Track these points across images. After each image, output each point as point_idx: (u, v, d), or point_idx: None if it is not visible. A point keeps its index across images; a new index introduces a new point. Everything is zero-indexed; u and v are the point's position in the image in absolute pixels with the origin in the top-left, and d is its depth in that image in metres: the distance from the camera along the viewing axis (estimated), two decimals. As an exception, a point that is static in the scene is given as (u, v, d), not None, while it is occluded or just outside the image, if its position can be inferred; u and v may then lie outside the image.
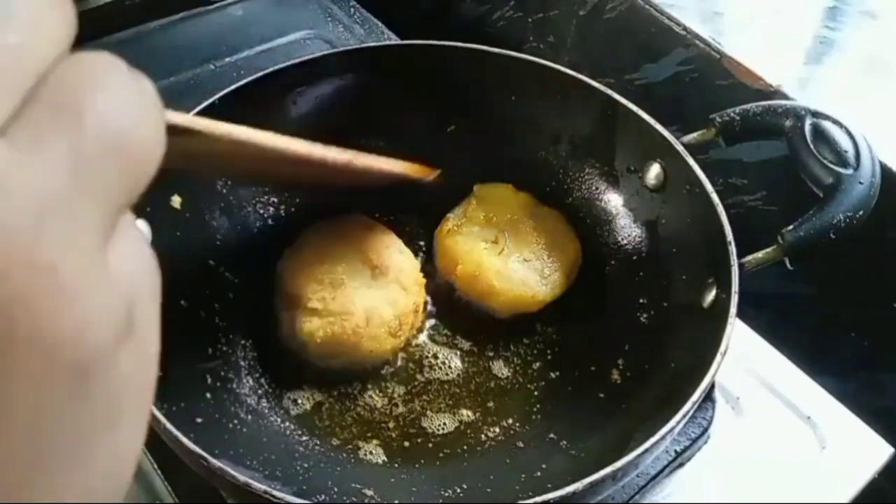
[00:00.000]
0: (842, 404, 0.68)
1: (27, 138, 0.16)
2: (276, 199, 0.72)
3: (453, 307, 0.69)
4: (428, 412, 0.63)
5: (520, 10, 1.01)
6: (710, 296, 0.58)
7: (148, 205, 0.60)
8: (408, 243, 0.69)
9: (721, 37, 0.82)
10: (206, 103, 0.64)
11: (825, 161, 0.59)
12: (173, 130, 0.33)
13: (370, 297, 0.63)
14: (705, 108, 0.66)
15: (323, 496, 0.55)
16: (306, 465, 0.58)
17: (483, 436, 0.61)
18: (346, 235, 0.66)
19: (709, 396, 0.65)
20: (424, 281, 0.67)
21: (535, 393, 0.64)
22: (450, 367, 0.66)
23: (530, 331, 0.68)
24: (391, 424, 0.62)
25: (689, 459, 0.63)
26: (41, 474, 0.17)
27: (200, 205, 0.66)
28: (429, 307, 0.69)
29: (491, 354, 0.66)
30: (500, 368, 0.66)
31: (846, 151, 0.59)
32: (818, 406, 0.67)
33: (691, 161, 0.62)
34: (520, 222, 0.70)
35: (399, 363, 0.65)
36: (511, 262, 0.68)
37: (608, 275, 0.69)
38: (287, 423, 0.61)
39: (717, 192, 0.60)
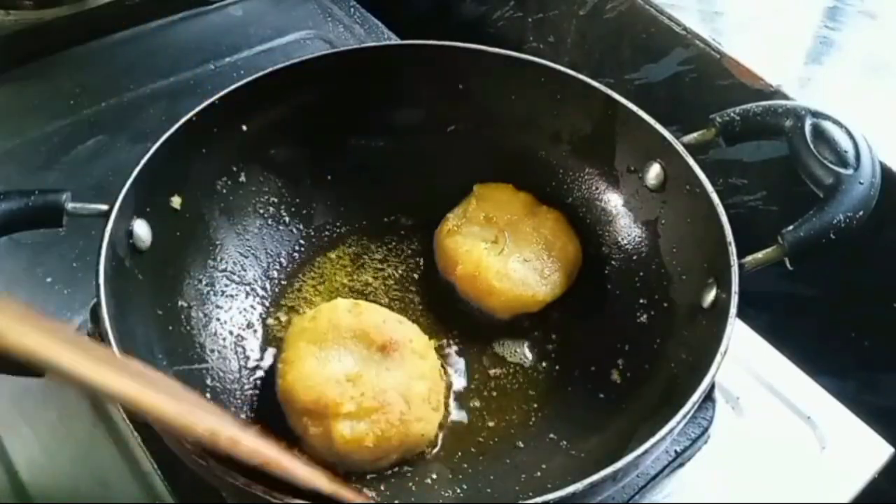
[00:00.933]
0: (842, 404, 0.68)
1: None
2: (275, 200, 0.71)
3: (453, 308, 0.69)
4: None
5: (519, 11, 1.01)
6: (711, 296, 0.58)
7: (148, 205, 0.60)
8: (406, 244, 0.68)
9: (721, 37, 0.81)
10: (206, 103, 0.64)
11: (825, 161, 0.58)
12: None
13: (396, 378, 0.58)
14: (705, 108, 0.66)
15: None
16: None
17: (483, 436, 0.61)
18: (335, 326, 0.61)
19: (709, 396, 0.65)
20: (433, 343, 0.64)
21: (535, 393, 0.64)
22: (449, 367, 0.66)
23: (530, 331, 0.68)
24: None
25: (689, 459, 0.63)
26: None
27: (200, 205, 0.66)
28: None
29: (491, 354, 0.66)
30: (500, 368, 0.65)
31: (846, 151, 0.59)
32: (818, 406, 0.67)
33: (691, 161, 0.62)
34: (520, 222, 0.70)
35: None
36: (511, 262, 0.68)
37: (608, 275, 0.69)
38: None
39: (717, 192, 0.60)
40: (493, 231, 0.70)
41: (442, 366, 0.64)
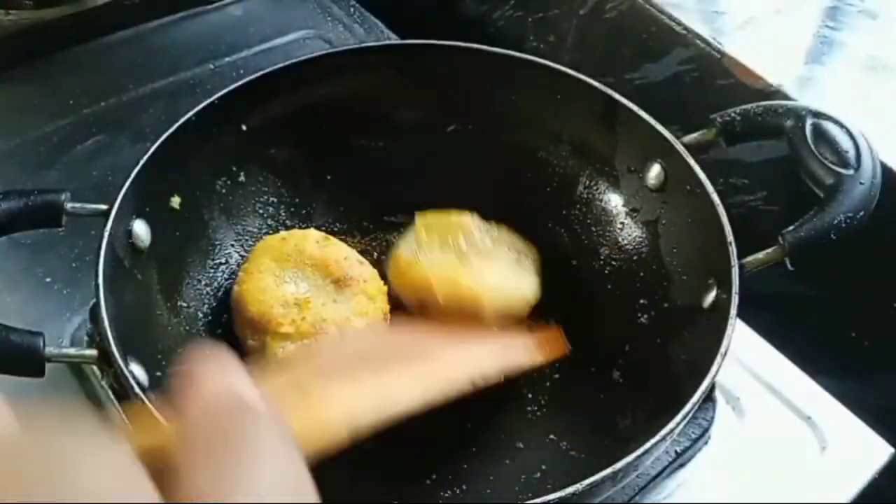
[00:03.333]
0: (842, 405, 0.68)
1: None
2: (275, 200, 0.71)
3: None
4: (426, 414, 0.62)
5: (520, 10, 1.01)
6: (711, 296, 0.58)
7: (147, 205, 0.60)
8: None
9: (721, 36, 0.81)
10: (205, 103, 0.64)
11: (826, 161, 0.58)
12: None
13: (339, 311, 0.61)
14: (706, 107, 0.66)
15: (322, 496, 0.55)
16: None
17: (482, 436, 0.61)
18: (300, 251, 0.64)
19: (709, 397, 0.65)
20: (386, 288, 0.65)
21: (535, 393, 0.64)
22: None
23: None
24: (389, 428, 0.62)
25: (689, 460, 0.63)
26: None
27: (199, 205, 0.66)
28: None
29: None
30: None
31: (847, 152, 0.59)
32: (819, 406, 0.67)
33: (692, 161, 0.62)
34: (475, 238, 0.66)
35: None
36: (485, 272, 0.64)
37: (608, 275, 0.69)
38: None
39: (718, 192, 0.60)
40: (452, 251, 0.65)
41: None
